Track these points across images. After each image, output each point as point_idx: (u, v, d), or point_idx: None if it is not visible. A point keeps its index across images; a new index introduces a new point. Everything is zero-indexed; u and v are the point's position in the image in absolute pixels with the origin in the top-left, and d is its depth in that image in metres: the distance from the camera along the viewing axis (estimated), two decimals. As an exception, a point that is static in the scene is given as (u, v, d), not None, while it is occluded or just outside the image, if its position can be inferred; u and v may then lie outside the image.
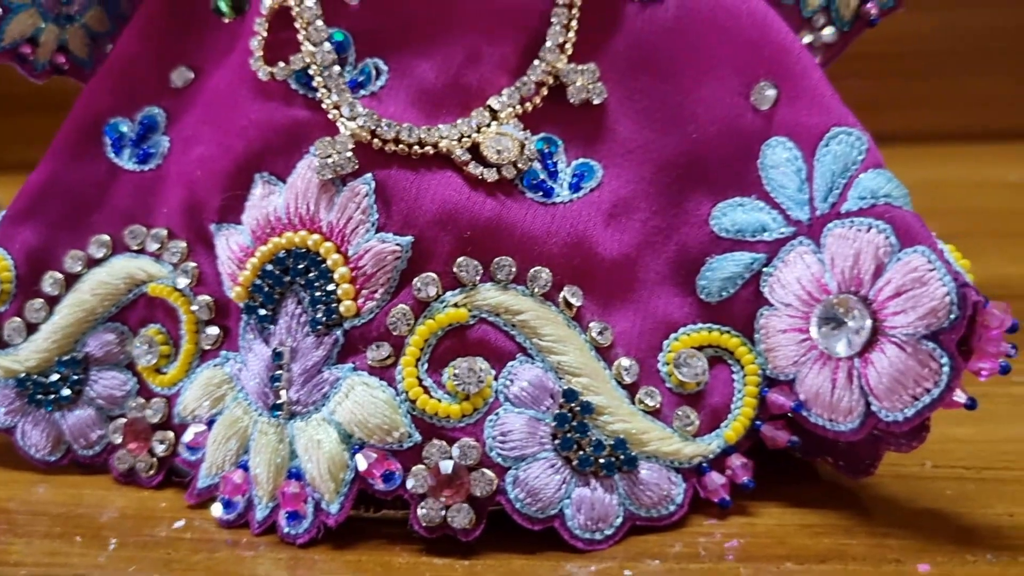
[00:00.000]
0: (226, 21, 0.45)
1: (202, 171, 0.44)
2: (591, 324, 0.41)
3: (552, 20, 0.44)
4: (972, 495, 0.41)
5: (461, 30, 0.43)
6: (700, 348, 0.42)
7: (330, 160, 0.41)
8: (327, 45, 0.42)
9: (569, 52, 0.44)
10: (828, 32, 0.49)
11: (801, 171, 0.41)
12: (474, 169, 0.42)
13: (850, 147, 0.40)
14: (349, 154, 0.41)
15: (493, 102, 0.43)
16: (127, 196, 0.47)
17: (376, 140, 0.41)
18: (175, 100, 0.47)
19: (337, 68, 0.42)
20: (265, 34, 0.43)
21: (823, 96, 0.41)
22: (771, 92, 0.42)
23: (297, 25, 0.43)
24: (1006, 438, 0.46)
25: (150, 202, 0.46)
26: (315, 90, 0.42)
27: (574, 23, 0.44)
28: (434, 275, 0.40)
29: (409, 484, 0.39)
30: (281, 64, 0.43)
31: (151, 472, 0.45)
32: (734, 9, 0.43)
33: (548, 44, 0.44)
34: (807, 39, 0.49)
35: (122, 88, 0.47)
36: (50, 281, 0.46)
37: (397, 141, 0.42)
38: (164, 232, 0.45)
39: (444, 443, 0.39)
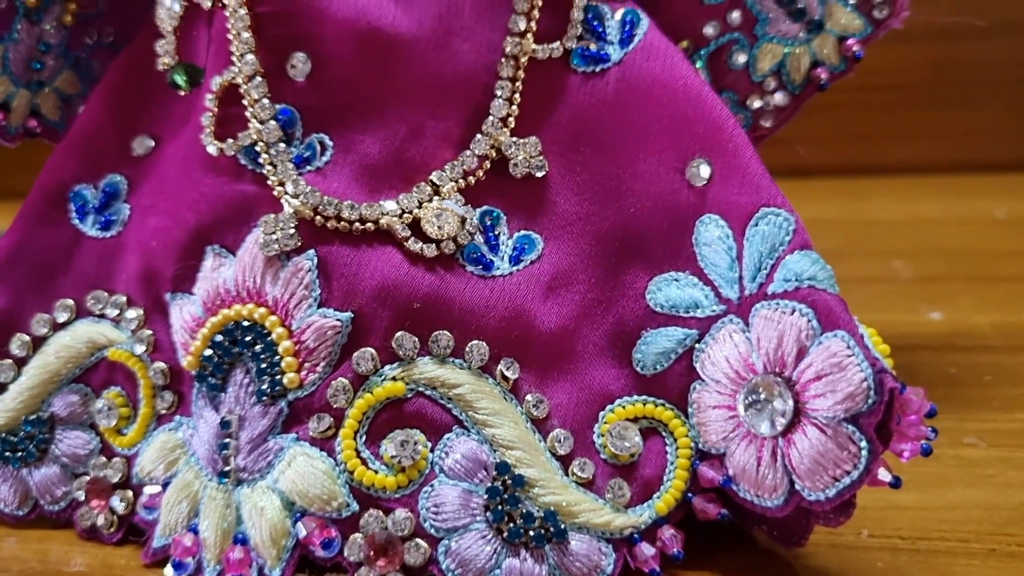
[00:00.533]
0: (182, 94, 0.47)
1: (157, 241, 0.45)
2: (527, 396, 0.42)
3: (496, 93, 0.45)
4: (903, 567, 0.42)
5: (405, 105, 0.44)
6: (635, 420, 0.43)
7: (274, 237, 0.42)
8: (273, 123, 0.44)
9: (512, 126, 0.45)
10: (779, 96, 0.50)
11: (732, 249, 0.42)
12: (414, 245, 0.43)
13: (778, 228, 0.41)
14: (292, 231, 0.42)
15: (435, 176, 0.44)
16: (90, 262, 0.48)
17: (319, 217, 0.43)
18: (136, 168, 0.48)
19: (283, 145, 0.44)
20: (215, 110, 0.45)
21: (754, 175, 0.42)
22: (705, 169, 0.43)
23: (245, 102, 0.44)
24: (947, 504, 0.46)
25: (111, 268, 0.48)
26: (262, 166, 0.44)
27: (517, 96, 0.45)
28: (373, 350, 0.42)
29: (347, 552, 0.41)
30: (230, 140, 0.44)
31: (112, 529, 0.46)
32: (670, 84, 0.44)
33: (491, 118, 0.45)
34: (757, 103, 0.50)
35: (86, 155, 0.49)
36: (18, 343, 0.48)
37: (339, 218, 0.43)
38: (123, 298, 0.47)
39: (380, 513, 0.41)
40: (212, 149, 0.44)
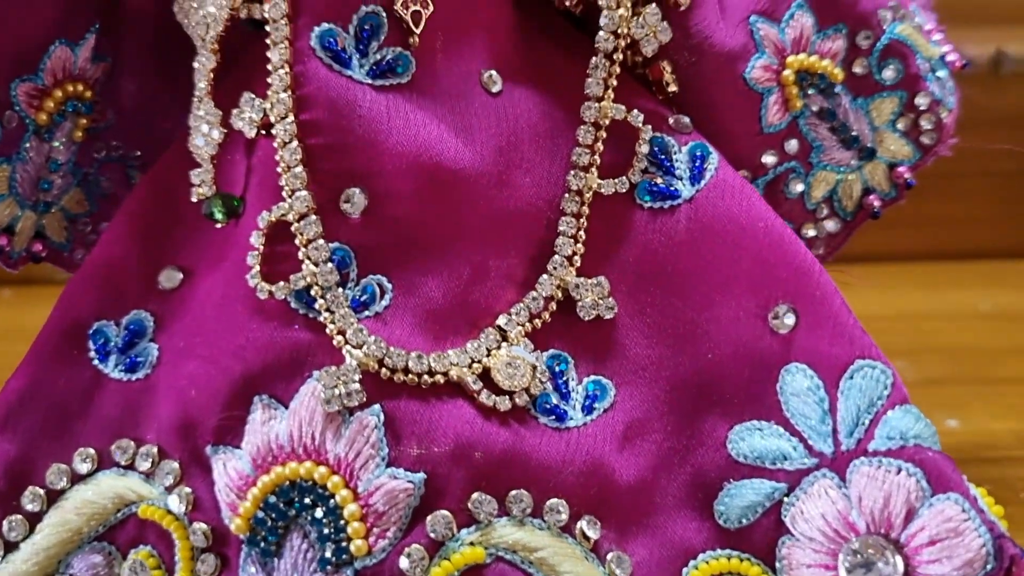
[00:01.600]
0: (218, 227, 0.43)
1: (196, 389, 0.42)
2: (609, 555, 0.40)
3: (559, 230, 0.43)
4: None
5: (468, 244, 0.42)
6: (720, 576, 0.41)
7: (336, 392, 0.39)
8: (329, 265, 0.41)
9: (578, 264, 0.43)
10: (831, 224, 0.49)
11: (823, 401, 0.40)
12: (487, 399, 0.40)
13: (875, 381, 0.40)
14: (357, 386, 0.39)
15: (502, 321, 0.42)
16: (114, 406, 0.44)
17: (384, 369, 0.40)
18: (163, 303, 0.45)
19: (341, 289, 0.41)
20: (262, 248, 0.41)
21: (846, 325, 0.41)
22: (790, 317, 0.41)
23: (297, 242, 0.41)
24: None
25: (139, 415, 0.44)
26: (317, 311, 0.41)
27: (582, 233, 0.43)
28: (448, 513, 0.39)
29: None
30: (281, 283, 0.41)
31: None
32: (749, 226, 0.42)
33: (557, 256, 0.43)
34: (811, 232, 0.49)
35: (106, 290, 0.45)
36: (31, 497, 0.44)
37: (406, 370, 0.40)
38: (155, 450, 0.43)
39: None
40: (261, 292, 0.41)
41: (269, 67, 0.42)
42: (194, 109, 0.44)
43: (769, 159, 0.47)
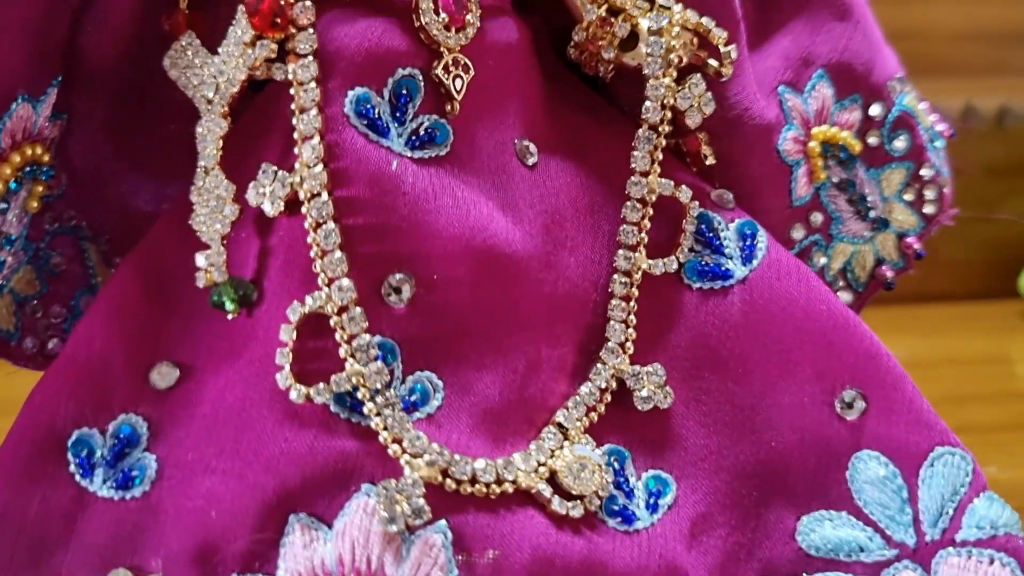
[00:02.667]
0: (230, 318, 0.38)
1: (218, 509, 0.36)
2: (690, 663, 0.37)
3: (609, 314, 0.40)
4: None
5: (522, 333, 0.38)
6: (801, 673, 0.39)
7: (398, 510, 0.35)
8: (378, 363, 0.36)
9: (631, 351, 0.40)
10: (845, 296, 0.48)
11: (902, 490, 0.39)
12: (559, 507, 0.37)
13: (956, 468, 0.39)
14: (422, 501, 0.35)
15: (560, 417, 0.39)
16: (104, 531, 0.37)
17: (449, 480, 0.36)
18: (159, 406, 0.38)
19: (391, 391, 0.36)
20: (294, 344, 0.36)
21: (920, 411, 0.40)
22: (860, 403, 0.40)
23: (337, 337, 0.36)
24: None
25: (137, 540, 0.37)
26: (365, 416, 0.36)
27: (633, 318, 0.40)
28: (529, 638, 0.35)
29: None
30: (321, 385, 0.36)
31: None
32: (810, 308, 0.41)
33: (609, 343, 0.40)
34: (829, 305, 0.48)
35: (87, 391, 0.38)
36: (0, 644, 0.36)
37: (473, 480, 0.36)
38: (161, 581, 0.37)
39: None
40: (296, 395, 0.36)
41: (296, 135, 0.37)
42: (198, 181, 0.38)
43: (798, 233, 0.46)
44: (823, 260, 0.47)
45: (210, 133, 0.38)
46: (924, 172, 0.48)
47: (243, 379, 0.37)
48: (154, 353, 0.39)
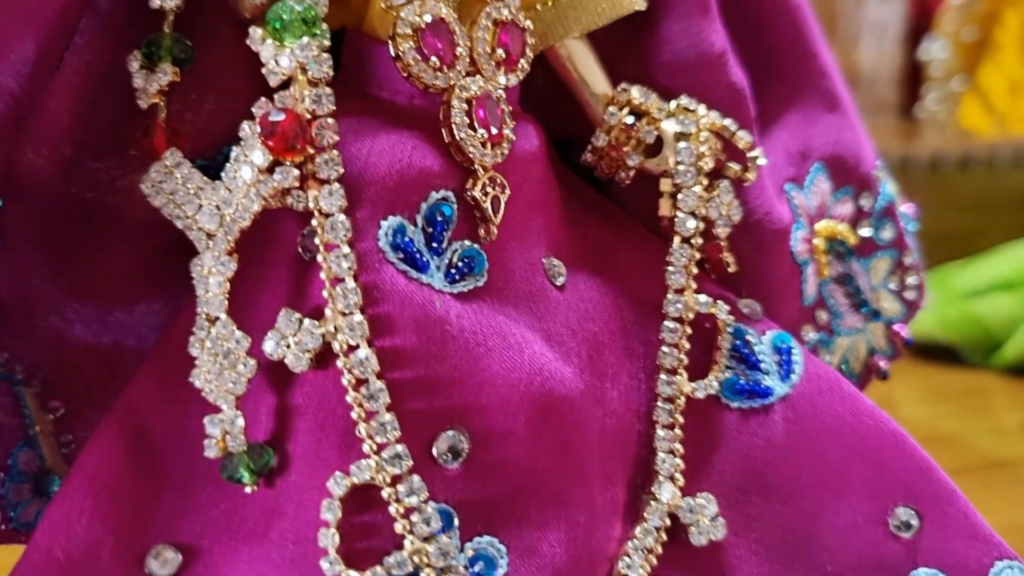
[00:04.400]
0: (248, 491, 0.32)
1: None
2: None
3: (656, 445, 0.37)
4: None
5: (579, 481, 0.35)
6: None
7: None
8: (442, 538, 0.31)
9: (681, 483, 0.37)
10: (843, 388, 0.47)
11: None
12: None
13: (1019, 582, 0.38)
14: None
15: (622, 567, 0.35)
16: None
17: (529, 667, 0.31)
18: (160, 602, 0.32)
19: (461, 565, 0.31)
20: (338, 522, 0.31)
21: (976, 525, 0.39)
22: (914, 519, 0.38)
23: (392, 511, 0.31)
24: None
25: None
26: (429, 604, 0.31)
27: (679, 446, 0.37)
28: None
29: None
30: (378, 568, 0.31)
31: None
32: (857, 426, 0.39)
33: (660, 478, 0.37)
34: (831, 400, 0.46)
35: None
36: None
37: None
38: None
39: None
40: (347, 584, 0.30)
41: (323, 276, 0.32)
42: (200, 332, 0.32)
43: (809, 334, 0.44)
44: (827, 358, 0.45)
45: (214, 274, 0.32)
46: (906, 260, 0.48)
47: (274, 565, 0.32)
48: (149, 535, 0.32)
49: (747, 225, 0.41)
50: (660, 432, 0.37)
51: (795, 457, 0.38)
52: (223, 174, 0.32)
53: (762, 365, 0.39)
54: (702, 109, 0.39)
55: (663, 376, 0.37)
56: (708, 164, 0.38)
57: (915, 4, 1.20)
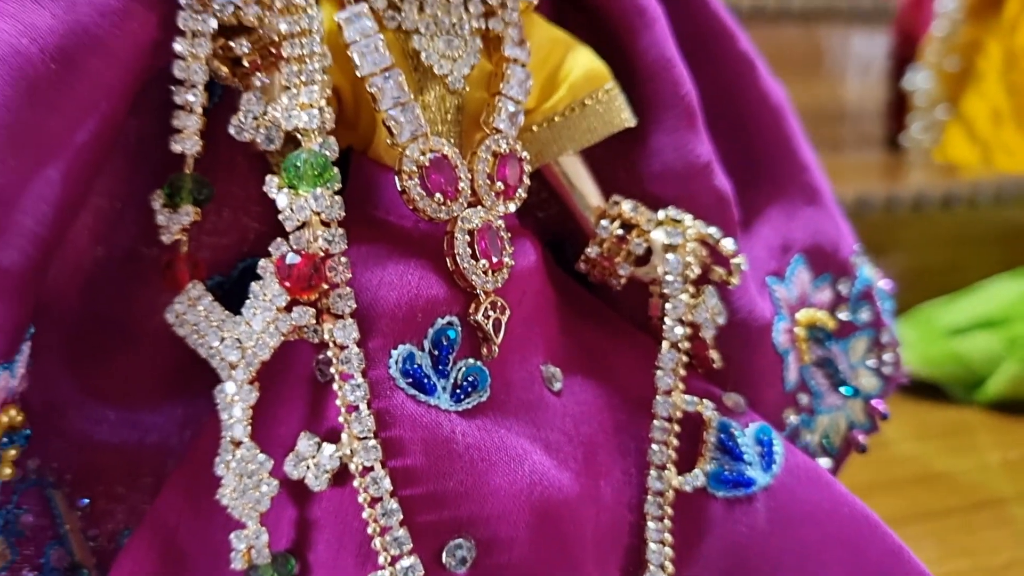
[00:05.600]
0: (272, 597, 0.34)
1: None
2: None
3: (647, 536, 0.40)
4: None
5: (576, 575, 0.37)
6: None
7: None
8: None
9: (671, 571, 0.40)
10: (824, 462, 0.50)
11: None
12: None
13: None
14: None
15: (618, 655, 0.38)
16: None
17: None
18: None
19: None
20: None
21: None
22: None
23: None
24: None
25: None
26: None
27: (668, 536, 0.40)
28: None
29: None
30: None
31: None
32: (834, 512, 0.41)
33: (651, 567, 0.39)
34: (813, 475, 0.49)
35: None
36: None
37: None
38: None
39: None
40: None
41: (339, 403, 0.34)
42: (225, 455, 0.35)
43: (791, 417, 0.47)
44: (808, 437, 0.48)
45: (237, 402, 0.34)
46: (884, 338, 0.51)
47: None
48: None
49: (732, 324, 0.43)
50: (651, 524, 0.40)
51: (776, 543, 0.41)
52: (243, 310, 0.35)
53: (745, 457, 0.42)
54: (688, 219, 0.42)
55: (653, 472, 0.40)
56: (694, 272, 0.41)
57: (900, 36, 1.22)
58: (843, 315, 0.49)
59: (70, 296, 0.38)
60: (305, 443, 0.34)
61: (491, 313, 0.37)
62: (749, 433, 0.42)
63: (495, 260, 0.37)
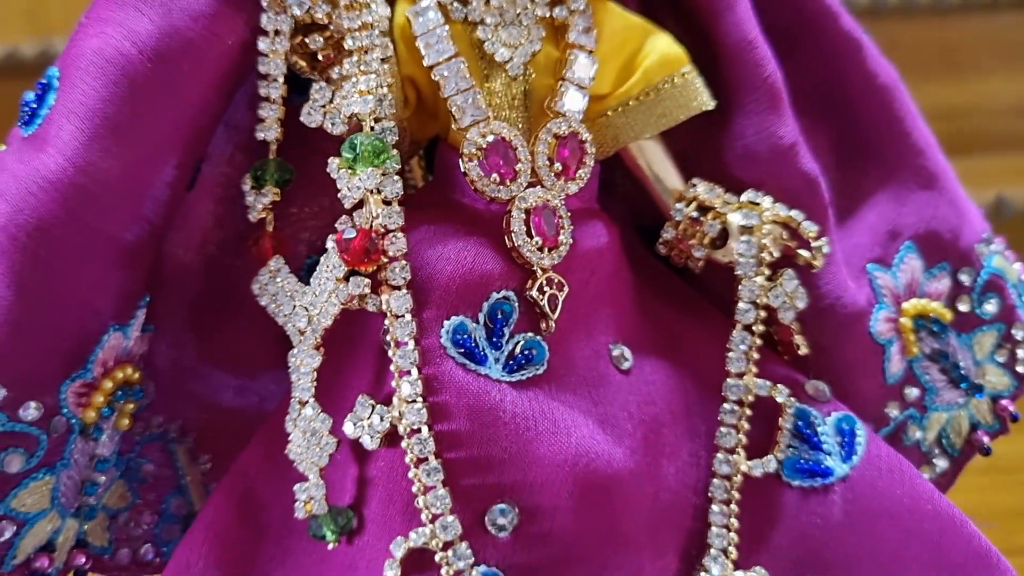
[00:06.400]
0: (330, 548, 0.37)
1: None
2: None
3: (711, 520, 0.39)
4: None
5: (624, 552, 0.38)
6: None
7: None
8: (488, 597, 0.36)
9: (733, 556, 0.39)
10: (942, 463, 0.47)
11: None
12: None
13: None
14: None
15: (670, 634, 0.38)
16: None
17: None
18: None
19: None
20: (400, 578, 0.36)
21: None
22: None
23: (443, 573, 0.36)
24: None
25: None
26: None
27: (734, 521, 0.39)
28: None
29: None
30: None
31: None
32: (916, 509, 0.40)
33: (713, 551, 0.39)
34: (925, 475, 0.47)
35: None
36: None
37: None
38: None
39: None
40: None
41: (393, 368, 0.37)
42: (293, 412, 0.38)
43: (893, 411, 0.45)
44: (918, 434, 0.46)
45: (304, 365, 0.38)
46: (1016, 332, 0.47)
47: None
48: (254, 581, 0.39)
49: (817, 310, 0.42)
50: (715, 507, 0.40)
51: (853, 538, 0.40)
52: (312, 279, 0.38)
53: (824, 446, 0.41)
54: (767, 202, 0.41)
55: (720, 455, 0.40)
56: (770, 255, 0.40)
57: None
58: (964, 306, 0.46)
59: (195, 271, 0.43)
60: (362, 405, 0.37)
61: (547, 289, 0.38)
62: (830, 422, 0.41)
63: (551, 238, 0.38)
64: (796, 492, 0.40)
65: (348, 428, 0.37)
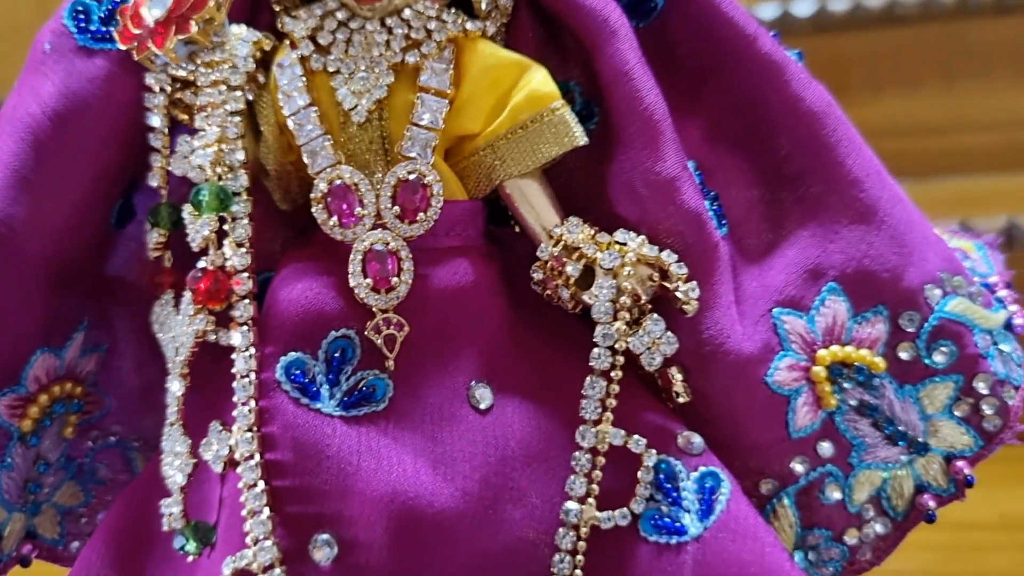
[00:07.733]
0: (190, 560, 0.40)
1: None
2: None
3: (553, 570, 0.39)
4: None
5: None
6: None
7: None
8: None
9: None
10: (879, 526, 0.43)
11: None
12: None
13: None
14: None
15: None
16: None
17: None
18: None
19: None
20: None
21: None
22: None
23: (267, 595, 0.38)
24: None
25: None
26: None
27: (579, 572, 0.38)
28: None
29: None
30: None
31: None
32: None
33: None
34: (854, 539, 0.43)
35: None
36: None
37: None
38: None
39: None
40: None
41: (235, 399, 0.39)
42: (165, 435, 0.41)
43: (799, 467, 0.41)
44: (838, 495, 0.42)
45: (172, 391, 0.41)
46: (978, 385, 0.42)
47: None
48: (142, 577, 0.43)
49: (701, 356, 0.40)
50: (558, 556, 0.39)
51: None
52: (178, 315, 0.41)
53: (683, 502, 0.39)
54: (635, 242, 0.39)
55: (569, 504, 0.39)
56: (632, 299, 0.39)
57: None
58: (905, 355, 0.42)
59: (143, 302, 0.47)
60: (213, 431, 0.40)
61: (383, 328, 0.39)
62: (694, 478, 0.39)
63: (381, 279, 0.39)
64: (651, 547, 0.39)
65: (202, 451, 0.40)
